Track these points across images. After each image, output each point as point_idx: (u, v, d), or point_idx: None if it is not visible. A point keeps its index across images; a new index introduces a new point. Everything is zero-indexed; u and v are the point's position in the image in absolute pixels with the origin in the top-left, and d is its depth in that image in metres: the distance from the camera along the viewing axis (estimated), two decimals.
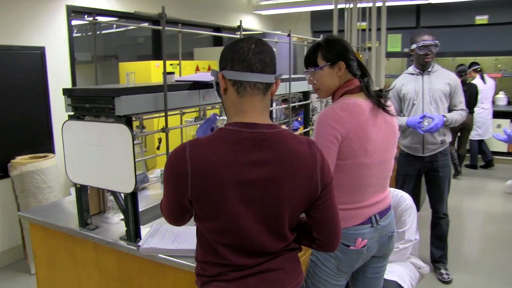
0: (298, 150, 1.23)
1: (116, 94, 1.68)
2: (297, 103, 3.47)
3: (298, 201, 1.24)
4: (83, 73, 6.62)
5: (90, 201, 2.14)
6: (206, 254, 1.27)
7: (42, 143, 3.98)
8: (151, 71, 4.49)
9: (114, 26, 6.23)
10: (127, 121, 1.73)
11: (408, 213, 2.54)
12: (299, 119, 4.25)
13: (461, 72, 5.98)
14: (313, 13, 8.10)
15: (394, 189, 2.66)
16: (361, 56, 1.86)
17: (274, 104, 3.47)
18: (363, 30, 5.13)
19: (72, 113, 1.89)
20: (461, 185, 6.10)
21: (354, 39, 4.93)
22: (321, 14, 7.64)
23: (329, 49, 1.73)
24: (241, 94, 1.22)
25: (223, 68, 1.24)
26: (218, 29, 5.70)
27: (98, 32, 6.77)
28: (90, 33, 6.97)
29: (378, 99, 1.71)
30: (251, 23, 7.49)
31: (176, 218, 1.33)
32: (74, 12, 4.26)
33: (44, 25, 3.97)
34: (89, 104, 1.79)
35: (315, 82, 1.78)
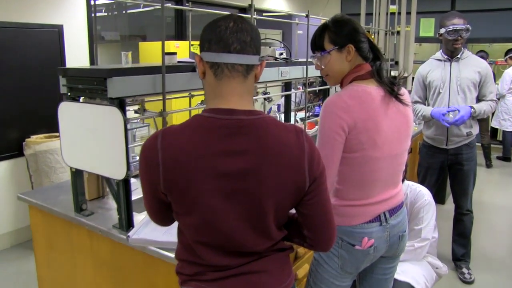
0: (282, 138, 1.11)
1: (109, 75, 1.58)
2: (317, 88, 3.30)
3: (283, 195, 1.13)
4: (109, 53, 6.61)
5: (88, 186, 2.08)
6: (184, 252, 1.18)
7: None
8: (171, 50, 4.38)
9: (142, 5, 6.16)
10: (120, 104, 1.63)
11: (426, 210, 2.37)
12: (321, 104, 4.09)
13: None
14: None
15: (412, 183, 2.49)
16: (373, 37, 1.69)
17: (292, 89, 3.32)
18: (392, 13, 4.86)
19: (67, 94, 1.81)
20: (490, 178, 5.80)
21: (382, 22, 4.68)
22: None
23: (337, 31, 1.57)
24: (218, 77, 1.11)
25: (201, 49, 1.13)
26: (244, 9, 5.54)
27: (124, 12, 6.77)
28: (116, 12, 6.98)
29: (391, 87, 1.55)
30: (280, 5, 7.28)
31: (157, 215, 1.23)
32: None
33: (62, 3, 3.92)
34: (82, 85, 1.70)
35: (322, 67, 1.63)
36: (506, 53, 6.29)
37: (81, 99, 1.81)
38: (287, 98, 3.24)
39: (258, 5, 6.46)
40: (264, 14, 4.34)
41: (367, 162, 1.54)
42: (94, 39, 4.24)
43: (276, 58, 2.55)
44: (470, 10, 6.45)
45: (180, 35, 5.39)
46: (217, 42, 1.08)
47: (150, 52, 4.57)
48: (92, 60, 4.23)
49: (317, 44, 1.62)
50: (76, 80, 1.74)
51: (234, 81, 1.10)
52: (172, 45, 4.41)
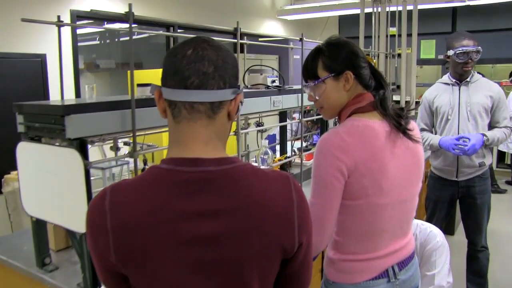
0: (265, 191, 0.88)
1: (66, 112, 1.35)
2: (314, 117, 3.08)
3: (270, 263, 0.89)
4: (104, 81, 6.43)
5: (55, 234, 1.83)
6: None
7: None
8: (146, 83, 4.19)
9: (136, 33, 6.01)
10: (81, 144, 1.40)
11: (439, 253, 2.10)
12: (319, 133, 3.86)
13: None
14: (341, 18, 7.67)
15: (422, 222, 2.22)
16: (375, 61, 1.47)
17: (288, 118, 3.10)
18: (392, 36, 4.68)
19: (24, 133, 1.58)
20: (500, 205, 5.51)
21: (382, 45, 4.50)
22: (350, 18, 7.19)
23: (333, 55, 1.35)
24: (176, 119, 0.88)
25: (162, 83, 0.90)
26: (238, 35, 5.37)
27: (117, 40, 6.64)
28: (108, 41, 6.84)
29: (398, 120, 1.31)
30: (275, 29, 7.14)
31: None
32: (79, 17, 4.02)
33: (45, 31, 3.74)
34: (39, 123, 1.47)
35: (316, 98, 1.40)
36: (511, 74, 6.09)
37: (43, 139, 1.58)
38: (283, 128, 3.02)
39: (255, 30, 6.32)
40: (260, 39, 4.16)
41: (371, 211, 1.30)
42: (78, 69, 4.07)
43: (268, 86, 2.33)
44: (472, 31, 6.28)
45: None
46: (172, 75, 0.86)
47: (143, 81, 4.38)
48: (77, 91, 4.04)
49: (309, 72, 1.39)
50: (33, 118, 1.51)
51: (195, 125, 0.87)
52: (160, 74, 4.22)
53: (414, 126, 1.40)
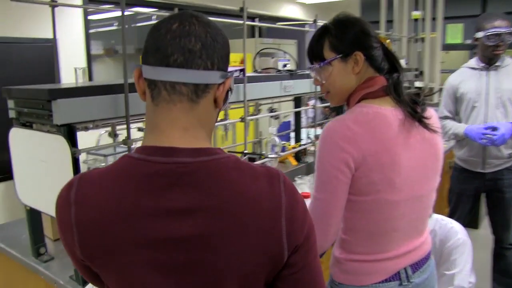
0: (248, 188, 0.76)
1: (53, 97, 1.27)
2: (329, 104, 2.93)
3: (252, 268, 0.77)
4: (119, 67, 6.39)
5: (54, 223, 1.77)
6: None
7: None
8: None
9: (153, 17, 5.92)
10: (70, 131, 1.31)
11: (460, 251, 1.95)
12: None
13: None
14: (362, 1, 7.40)
15: (442, 217, 2.07)
16: (388, 41, 1.30)
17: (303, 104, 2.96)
18: (416, 19, 4.45)
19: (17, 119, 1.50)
20: None
21: (405, 29, 4.28)
22: (372, 2, 6.94)
23: (340, 34, 1.21)
24: (155, 101, 0.77)
25: (142, 61, 0.80)
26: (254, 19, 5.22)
27: (134, 25, 6.58)
28: (127, 26, 6.79)
29: (413, 107, 1.17)
30: (294, 13, 6.94)
31: (93, 282, 0.89)
32: (91, 1, 3.95)
33: (56, 16, 3.69)
34: (28, 108, 1.39)
35: (323, 82, 1.27)
36: None
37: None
38: (297, 115, 2.88)
39: (274, 13, 6.15)
40: (278, 23, 4.01)
41: (381, 208, 1.17)
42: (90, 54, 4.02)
43: (278, 71, 2.19)
44: (504, 13, 5.97)
45: None
46: (154, 52, 0.76)
47: None
48: (90, 76, 4.00)
49: (314, 52, 1.26)
50: (22, 103, 1.43)
51: (175, 108, 0.76)
52: None
53: (432, 113, 1.25)
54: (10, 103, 1.48)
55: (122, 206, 0.72)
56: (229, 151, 2.49)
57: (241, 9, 1.89)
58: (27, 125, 1.48)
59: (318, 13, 7.13)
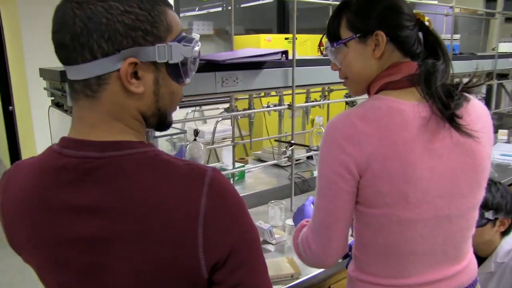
0: (158, 190, 0.65)
1: (63, 78, 1.25)
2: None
3: (156, 285, 0.66)
4: (204, 47, 6.50)
5: None
6: None
7: None
8: (260, 45, 3.99)
9: None
10: None
11: None
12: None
13: None
14: None
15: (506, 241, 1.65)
16: (427, 18, 1.00)
17: None
18: None
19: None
20: None
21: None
22: None
23: (361, 9, 0.99)
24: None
25: None
26: None
27: (238, 6, 6.62)
28: (229, 7, 6.85)
29: (445, 102, 0.91)
30: None
31: None
32: None
33: None
34: (53, 89, 1.41)
35: (340, 67, 1.07)
36: None
37: None
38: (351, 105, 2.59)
39: None
40: None
41: (393, 225, 0.94)
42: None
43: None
44: None
45: (282, 28, 4.96)
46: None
47: (243, 46, 4.27)
48: None
49: (330, 31, 1.06)
50: (52, 84, 1.45)
51: (77, 106, 0.70)
52: (262, 39, 4.02)
53: (478, 110, 0.97)
54: (46, 84, 1.52)
55: (33, 200, 0.68)
56: (275, 140, 2.34)
57: None
58: (60, 105, 1.50)
59: None
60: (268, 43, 4.03)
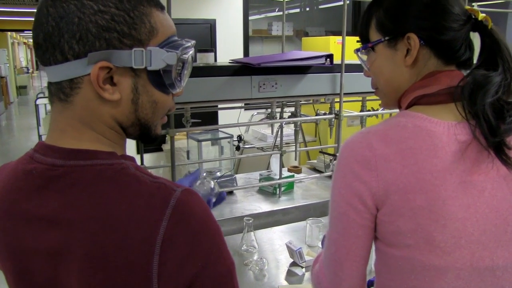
0: (117, 208, 0.58)
1: None
2: None
3: None
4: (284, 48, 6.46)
5: None
6: None
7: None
8: (330, 48, 3.82)
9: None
10: None
11: None
12: None
13: None
14: None
15: None
16: (484, 15, 0.77)
17: None
18: None
19: None
20: None
21: None
22: None
23: (393, 7, 0.82)
24: None
25: None
26: None
27: (316, 8, 6.46)
28: (307, 9, 6.70)
29: (493, 124, 0.72)
30: None
31: None
32: None
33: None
34: None
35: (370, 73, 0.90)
36: None
37: None
38: None
39: None
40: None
41: (417, 272, 0.76)
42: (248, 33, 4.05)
43: None
44: None
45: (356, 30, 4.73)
46: None
47: (311, 48, 4.12)
48: (247, 55, 4.06)
49: (359, 32, 0.89)
50: None
51: (52, 108, 0.65)
52: (332, 41, 3.83)
53: None
54: None
55: (2, 204, 0.65)
56: (320, 152, 2.16)
57: None
58: None
59: None
60: (338, 45, 3.84)
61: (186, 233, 0.57)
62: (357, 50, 0.90)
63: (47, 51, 0.59)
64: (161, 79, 0.63)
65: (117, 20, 0.58)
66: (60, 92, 0.61)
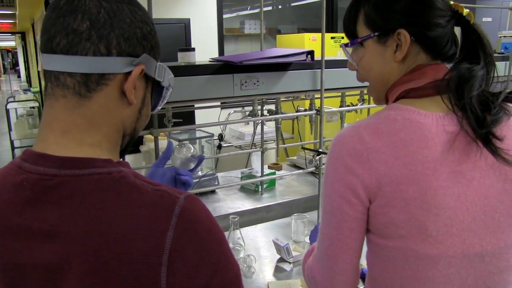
0: (117, 219, 0.56)
1: None
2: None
3: None
4: (256, 46, 6.48)
5: None
6: None
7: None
8: (305, 45, 3.84)
9: None
10: None
11: None
12: None
13: None
14: None
15: None
16: (467, 11, 0.81)
17: None
18: None
19: None
20: None
21: None
22: None
23: (381, 2, 0.83)
24: (45, 97, 0.65)
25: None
26: None
27: (288, 5, 6.49)
28: (280, 6, 6.74)
29: (479, 115, 0.74)
30: None
31: None
32: None
33: None
34: None
35: (357, 68, 0.91)
36: None
37: None
38: None
39: None
40: None
41: (410, 262, 0.78)
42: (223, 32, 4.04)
43: None
44: None
45: (330, 27, 4.77)
46: (42, 35, 0.63)
47: (286, 46, 4.14)
48: (222, 52, 4.06)
49: (345, 26, 0.90)
50: None
51: (56, 105, 0.61)
52: (307, 38, 3.86)
53: None
54: None
55: None
56: (302, 148, 2.18)
57: None
58: None
59: None
60: (313, 43, 3.87)
61: (193, 242, 0.56)
62: (345, 45, 0.90)
63: (88, 40, 0.58)
64: (159, 97, 0.70)
65: (152, 34, 0.65)
66: (82, 85, 0.59)
